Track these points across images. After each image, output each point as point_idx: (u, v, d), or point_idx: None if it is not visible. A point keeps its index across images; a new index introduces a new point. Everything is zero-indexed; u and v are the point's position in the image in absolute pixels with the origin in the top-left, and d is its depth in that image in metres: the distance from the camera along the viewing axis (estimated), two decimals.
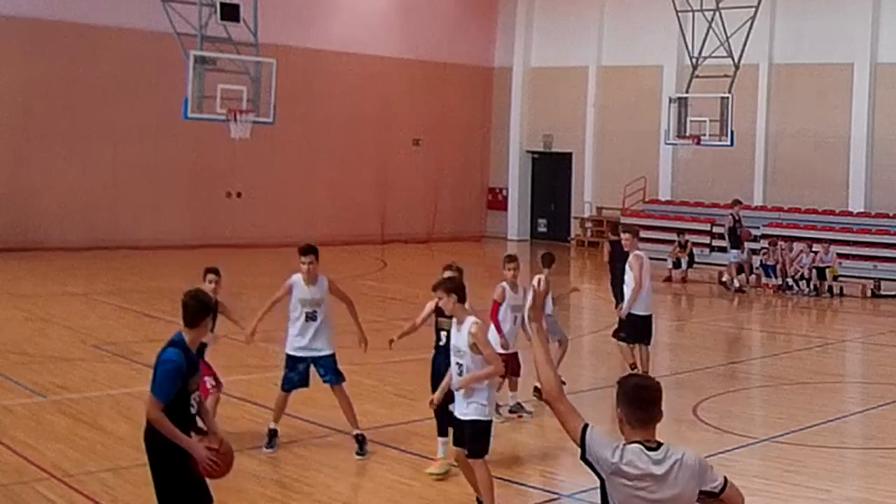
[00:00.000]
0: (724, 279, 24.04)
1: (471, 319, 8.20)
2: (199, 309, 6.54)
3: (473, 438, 8.16)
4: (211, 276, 10.42)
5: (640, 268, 12.84)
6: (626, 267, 13.09)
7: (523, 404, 11.78)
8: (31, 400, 11.66)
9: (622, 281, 13.44)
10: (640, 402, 4.51)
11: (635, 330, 13.03)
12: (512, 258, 11.39)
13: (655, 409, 4.53)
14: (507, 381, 11.48)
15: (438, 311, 9.24)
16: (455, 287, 8.33)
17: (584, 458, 4.53)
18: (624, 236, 13.44)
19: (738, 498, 4.65)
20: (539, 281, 11.69)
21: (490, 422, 8.29)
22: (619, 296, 14.50)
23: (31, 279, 21.62)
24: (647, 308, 13.12)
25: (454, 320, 8.35)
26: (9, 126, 25.47)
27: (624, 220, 30.29)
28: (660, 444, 4.50)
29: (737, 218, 24.35)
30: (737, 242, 24.08)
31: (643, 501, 4.41)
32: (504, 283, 11.25)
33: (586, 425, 4.53)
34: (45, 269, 23.13)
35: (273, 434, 10.05)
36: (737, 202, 24.86)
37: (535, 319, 5.05)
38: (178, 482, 6.39)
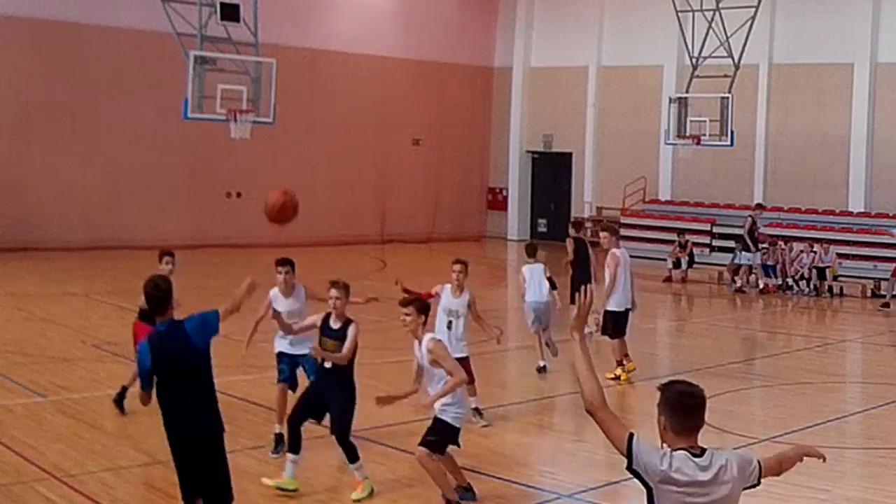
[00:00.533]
0: (755, 281, 23.77)
1: (427, 336, 8.26)
2: (165, 297, 6.67)
3: (432, 433, 8.26)
4: (167, 259, 11.20)
5: (616, 266, 13.29)
6: (605, 266, 13.53)
7: (481, 410, 11.31)
8: (31, 400, 11.66)
9: (585, 277, 14.29)
10: (684, 409, 4.46)
11: (616, 325, 13.56)
12: (459, 261, 11.22)
13: (700, 416, 4.48)
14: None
15: (323, 330, 8.89)
16: (425, 309, 8.38)
17: (630, 468, 4.44)
18: (602, 234, 13.84)
19: (776, 468, 4.75)
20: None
21: (457, 430, 8.33)
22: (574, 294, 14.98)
23: (31, 279, 21.61)
24: (625, 303, 13.57)
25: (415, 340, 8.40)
26: (9, 126, 25.47)
27: (624, 219, 30.38)
28: (704, 450, 4.47)
29: (755, 220, 24.06)
30: (755, 245, 23.80)
31: None
32: (446, 285, 11.10)
33: (631, 434, 4.43)
34: (45, 269, 23.12)
35: (280, 439, 9.90)
36: (759, 206, 24.73)
37: (577, 329, 4.82)
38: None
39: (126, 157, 27.15)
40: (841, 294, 23.25)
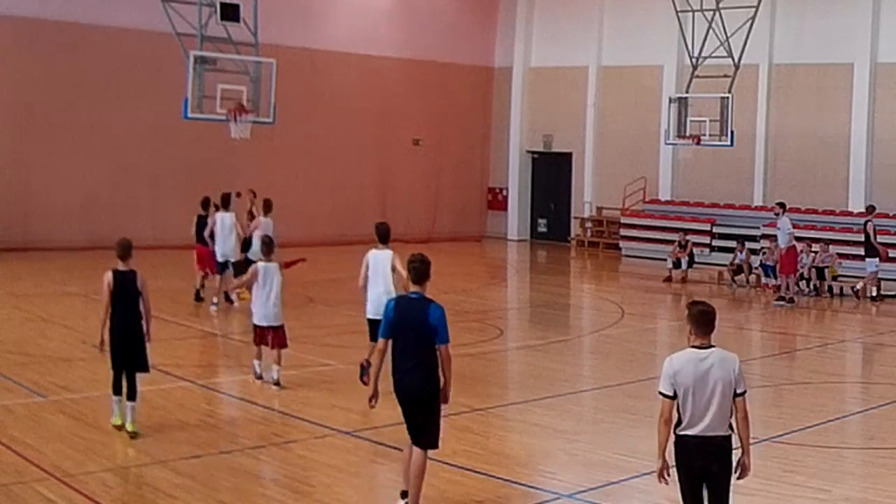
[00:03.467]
0: (856, 288, 22.53)
1: None
2: (427, 270, 8.05)
3: None
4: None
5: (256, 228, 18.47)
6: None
7: (278, 381, 12.49)
8: (31, 400, 11.66)
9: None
10: (702, 321, 6.65)
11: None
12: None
13: (712, 326, 6.67)
14: (275, 352, 12.59)
15: None
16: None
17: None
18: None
19: (743, 411, 6.65)
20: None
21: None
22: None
23: (31, 279, 21.61)
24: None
25: None
26: (9, 126, 25.46)
27: (624, 219, 30.35)
28: (710, 347, 6.58)
29: (874, 225, 22.46)
30: (875, 252, 22.34)
31: (691, 378, 6.54)
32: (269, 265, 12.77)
33: (661, 392, 6.56)
34: (45, 269, 23.11)
35: None
36: (872, 208, 22.94)
37: None
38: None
39: (126, 156, 27.14)
40: (841, 294, 23.23)
